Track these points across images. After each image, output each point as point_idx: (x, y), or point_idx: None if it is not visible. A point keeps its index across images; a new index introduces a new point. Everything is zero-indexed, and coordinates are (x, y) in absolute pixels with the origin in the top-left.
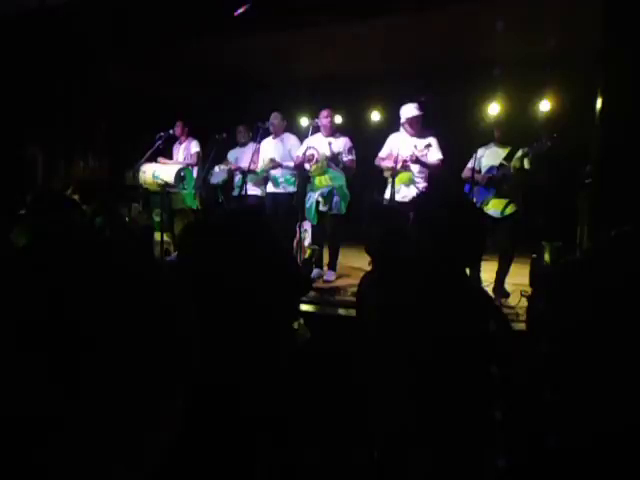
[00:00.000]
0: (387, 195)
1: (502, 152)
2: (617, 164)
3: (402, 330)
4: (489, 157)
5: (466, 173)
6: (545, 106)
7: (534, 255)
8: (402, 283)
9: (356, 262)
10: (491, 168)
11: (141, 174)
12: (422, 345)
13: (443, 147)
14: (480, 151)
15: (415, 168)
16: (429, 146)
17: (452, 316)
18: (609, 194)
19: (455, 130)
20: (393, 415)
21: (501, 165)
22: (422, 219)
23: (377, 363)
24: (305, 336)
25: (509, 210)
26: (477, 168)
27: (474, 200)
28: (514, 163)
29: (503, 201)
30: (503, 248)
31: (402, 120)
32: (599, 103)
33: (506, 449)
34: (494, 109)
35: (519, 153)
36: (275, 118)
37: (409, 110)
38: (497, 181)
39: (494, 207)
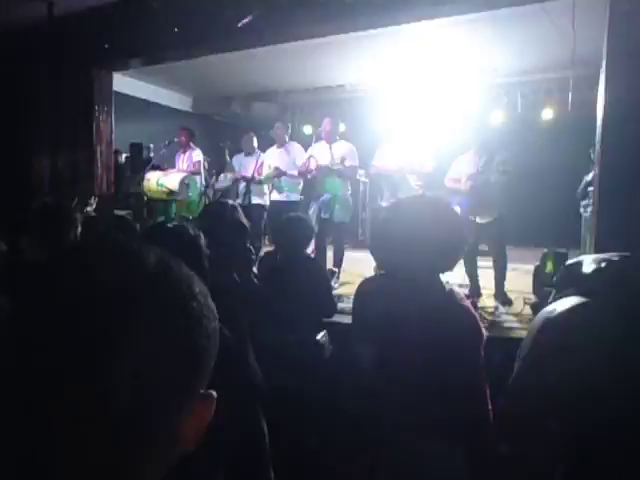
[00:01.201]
0: (385, 203)
1: (479, 159)
2: (620, 171)
3: (387, 338)
4: (468, 165)
5: (449, 184)
6: (547, 114)
7: (537, 263)
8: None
9: (360, 269)
10: (471, 176)
11: (145, 182)
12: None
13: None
14: (458, 160)
15: (412, 176)
16: (424, 157)
17: (431, 324)
18: (612, 201)
19: (451, 138)
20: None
21: (480, 172)
22: (397, 220)
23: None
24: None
25: (494, 214)
26: (458, 177)
27: (459, 208)
28: (495, 167)
29: (487, 207)
30: (495, 254)
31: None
32: (600, 111)
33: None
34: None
35: (497, 158)
36: (278, 128)
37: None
38: (479, 188)
39: (480, 214)
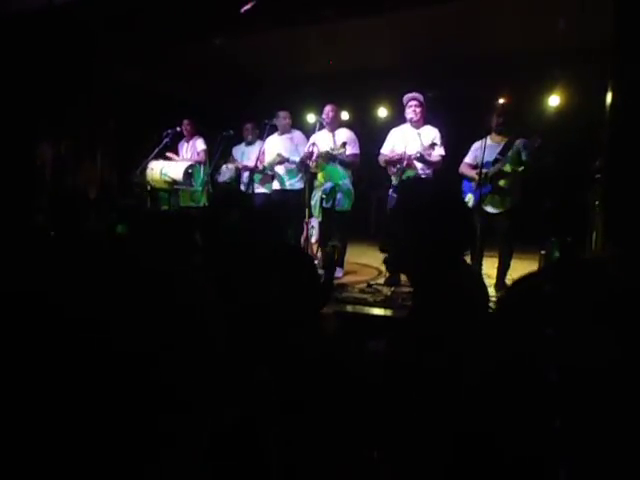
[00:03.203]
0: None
1: (497, 146)
2: (627, 159)
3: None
4: (485, 151)
5: (463, 169)
6: (554, 100)
7: (543, 251)
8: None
9: (363, 259)
10: (487, 163)
11: (149, 171)
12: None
13: (448, 143)
14: (476, 145)
15: (419, 165)
16: (434, 145)
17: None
18: (619, 189)
19: (461, 125)
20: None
21: (496, 160)
22: (404, 205)
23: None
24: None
25: (506, 206)
26: (475, 163)
27: (472, 196)
28: (511, 156)
29: (500, 197)
30: (502, 244)
31: (404, 103)
32: (609, 98)
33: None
34: (499, 101)
35: (515, 146)
36: (285, 117)
37: (411, 93)
38: (493, 177)
39: (491, 203)
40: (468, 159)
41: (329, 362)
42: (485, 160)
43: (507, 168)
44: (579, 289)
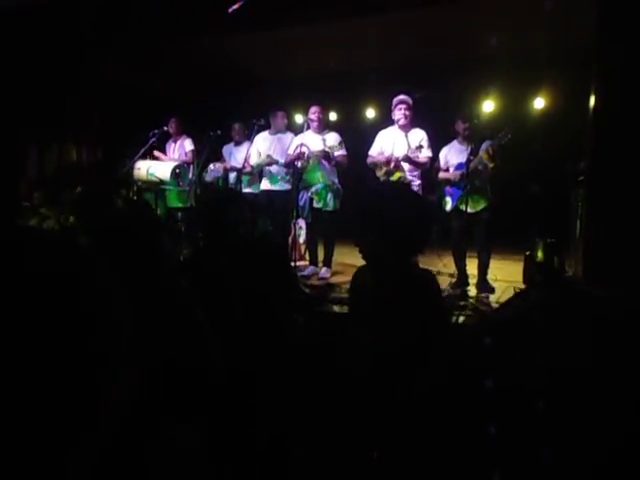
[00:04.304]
0: None
1: (465, 150)
2: (610, 162)
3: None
4: (455, 155)
5: (440, 175)
6: (539, 103)
7: (527, 252)
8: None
9: (351, 259)
10: (459, 165)
11: (135, 171)
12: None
13: (434, 144)
14: (444, 150)
15: (406, 166)
16: (420, 147)
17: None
18: (602, 191)
19: (446, 127)
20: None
21: (468, 160)
22: (372, 209)
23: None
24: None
25: (482, 204)
26: (446, 167)
27: (449, 199)
28: (482, 155)
29: (477, 196)
30: (480, 243)
31: (393, 106)
32: (592, 101)
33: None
34: (485, 105)
35: (484, 146)
36: (283, 117)
37: (400, 96)
38: (469, 175)
39: (469, 204)
40: (441, 164)
41: (312, 350)
42: (458, 162)
43: (479, 167)
44: (568, 323)
